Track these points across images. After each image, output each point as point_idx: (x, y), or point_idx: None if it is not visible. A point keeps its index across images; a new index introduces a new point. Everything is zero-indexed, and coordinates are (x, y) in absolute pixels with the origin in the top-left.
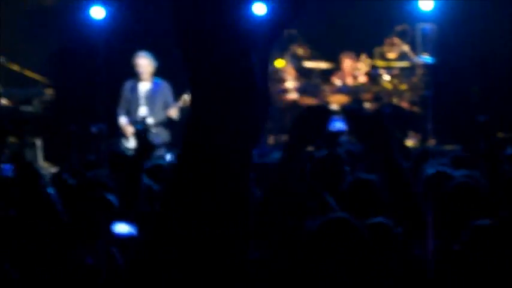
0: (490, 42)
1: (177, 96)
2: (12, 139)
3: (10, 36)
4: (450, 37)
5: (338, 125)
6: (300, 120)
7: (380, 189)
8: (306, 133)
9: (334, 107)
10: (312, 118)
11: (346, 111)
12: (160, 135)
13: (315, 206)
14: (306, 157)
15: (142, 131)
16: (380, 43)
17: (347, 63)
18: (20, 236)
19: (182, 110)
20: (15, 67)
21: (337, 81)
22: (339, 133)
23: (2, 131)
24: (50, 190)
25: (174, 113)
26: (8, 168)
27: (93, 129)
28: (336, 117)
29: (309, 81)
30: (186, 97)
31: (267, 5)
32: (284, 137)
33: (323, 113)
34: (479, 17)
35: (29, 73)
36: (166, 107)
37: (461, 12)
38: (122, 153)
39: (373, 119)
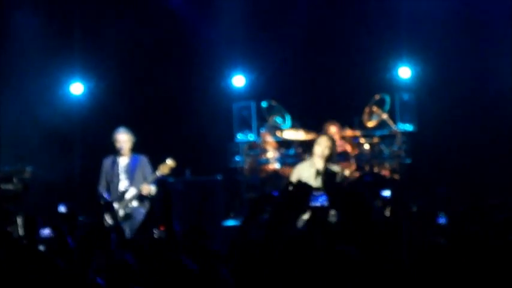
0: (468, 108)
1: (154, 168)
2: None
3: None
4: (428, 105)
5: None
6: (282, 196)
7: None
8: (287, 209)
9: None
10: (293, 194)
11: (327, 188)
12: (141, 208)
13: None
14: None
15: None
16: (359, 112)
17: (332, 131)
18: None
19: (159, 181)
20: None
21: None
22: (320, 208)
23: None
24: None
25: (146, 189)
26: None
27: (61, 209)
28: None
29: (289, 151)
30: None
31: None
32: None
33: (304, 189)
34: (457, 84)
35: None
36: (145, 179)
37: (438, 80)
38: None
39: (353, 194)
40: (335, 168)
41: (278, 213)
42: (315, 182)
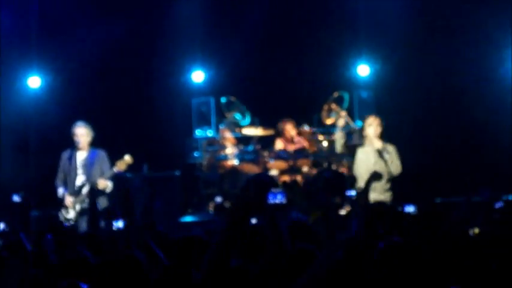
0: (426, 106)
1: (112, 163)
2: None
3: None
4: (387, 102)
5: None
6: (241, 192)
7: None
8: (247, 205)
9: (274, 172)
10: (252, 190)
11: (284, 185)
12: (99, 203)
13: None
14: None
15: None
16: (318, 110)
17: (288, 128)
18: None
19: (116, 177)
20: None
21: (276, 147)
22: (278, 205)
23: None
24: None
25: (102, 184)
26: None
27: (15, 198)
28: (275, 190)
29: (248, 147)
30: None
31: None
32: (225, 204)
33: (263, 185)
34: (415, 81)
35: None
36: (102, 174)
37: (396, 77)
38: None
39: (311, 191)
40: (389, 146)
41: (235, 212)
42: (379, 162)
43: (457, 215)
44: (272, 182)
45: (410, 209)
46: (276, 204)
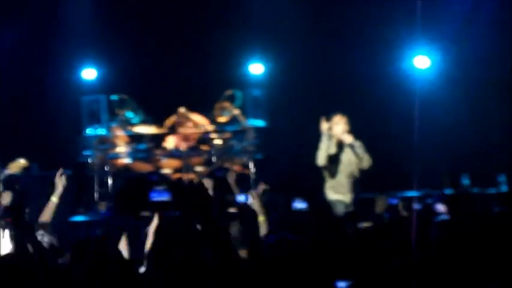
0: (317, 104)
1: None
2: None
3: None
4: (279, 100)
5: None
6: (122, 191)
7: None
8: (128, 203)
9: (166, 171)
10: (133, 189)
11: (168, 183)
12: None
13: None
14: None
15: None
16: (211, 108)
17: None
18: None
19: (6, 179)
20: None
21: (169, 145)
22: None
23: None
24: None
25: None
26: None
27: None
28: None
29: (140, 145)
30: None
31: None
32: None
33: (144, 183)
34: (307, 80)
35: None
36: None
37: (289, 76)
38: None
39: (194, 189)
40: (357, 141)
41: (118, 208)
42: (351, 157)
43: (348, 211)
44: (155, 181)
45: (300, 205)
46: (160, 202)
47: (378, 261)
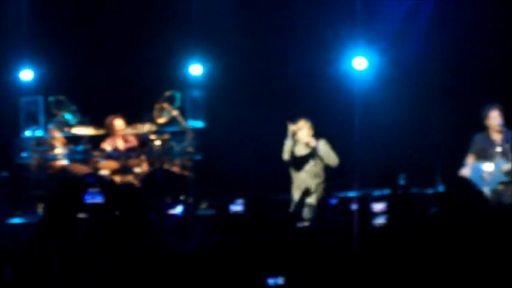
0: (255, 105)
1: None
2: None
3: None
4: (218, 102)
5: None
6: (56, 193)
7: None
8: (62, 205)
9: (104, 172)
10: (67, 191)
11: (102, 185)
12: None
13: None
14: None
15: None
16: (150, 109)
17: (117, 125)
18: None
19: None
20: None
21: (107, 147)
22: (96, 205)
23: None
24: None
25: None
26: None
27: None
28: (92, 189)
29: (78, 147)
30: None
31: None
32: None
33: (78, 186)
34: (246, 81)
35: None
36: None
37: (228, 77)
38: None
39: (127, 191)
40: (321, 141)
41: (52, 210)
42: (316, 160)
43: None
44: (91, 182)
45: (237, 207)
46: (93, 204)
47: (313, 259)
